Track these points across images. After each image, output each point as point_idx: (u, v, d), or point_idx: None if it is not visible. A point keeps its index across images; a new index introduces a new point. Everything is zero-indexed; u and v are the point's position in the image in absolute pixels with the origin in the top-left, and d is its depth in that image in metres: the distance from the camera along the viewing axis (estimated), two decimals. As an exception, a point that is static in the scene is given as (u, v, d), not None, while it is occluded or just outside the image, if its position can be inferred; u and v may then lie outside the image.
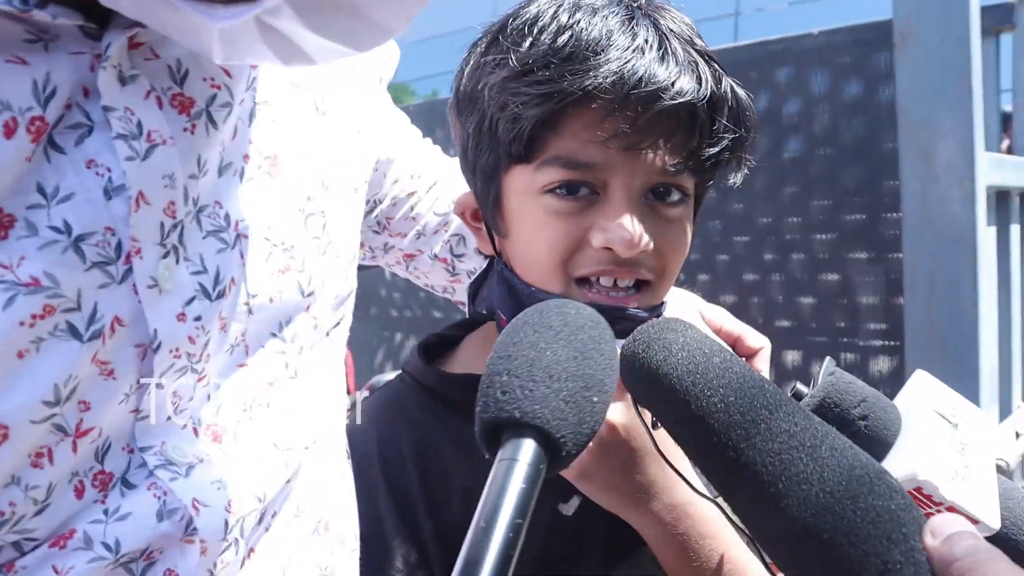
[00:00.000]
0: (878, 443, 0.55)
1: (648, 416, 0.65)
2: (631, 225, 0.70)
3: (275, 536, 0.65)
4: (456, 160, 0.95)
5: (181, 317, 0.55)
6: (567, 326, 0.49)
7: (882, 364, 2.40)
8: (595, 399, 0.47)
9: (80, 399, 0.52)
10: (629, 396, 0.65)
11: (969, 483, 0.53)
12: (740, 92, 0.75)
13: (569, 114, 0.70)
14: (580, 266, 0.73)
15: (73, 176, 0.50)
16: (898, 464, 0.54)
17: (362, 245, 0.99)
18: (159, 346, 0.54)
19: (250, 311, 0.62)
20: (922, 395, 0.59)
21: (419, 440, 0.81)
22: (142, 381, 0.55)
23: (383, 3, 0.47)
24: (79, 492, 0.54)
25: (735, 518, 0.67)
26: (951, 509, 0.51)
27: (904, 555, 0.40)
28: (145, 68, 0.53)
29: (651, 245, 0.72)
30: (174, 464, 0.57)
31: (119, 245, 0.52)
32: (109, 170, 0.51)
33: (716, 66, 0.73)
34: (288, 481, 0.66)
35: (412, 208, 0.99)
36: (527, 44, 0.71)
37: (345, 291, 0.73)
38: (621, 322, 0.69)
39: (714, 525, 0.72)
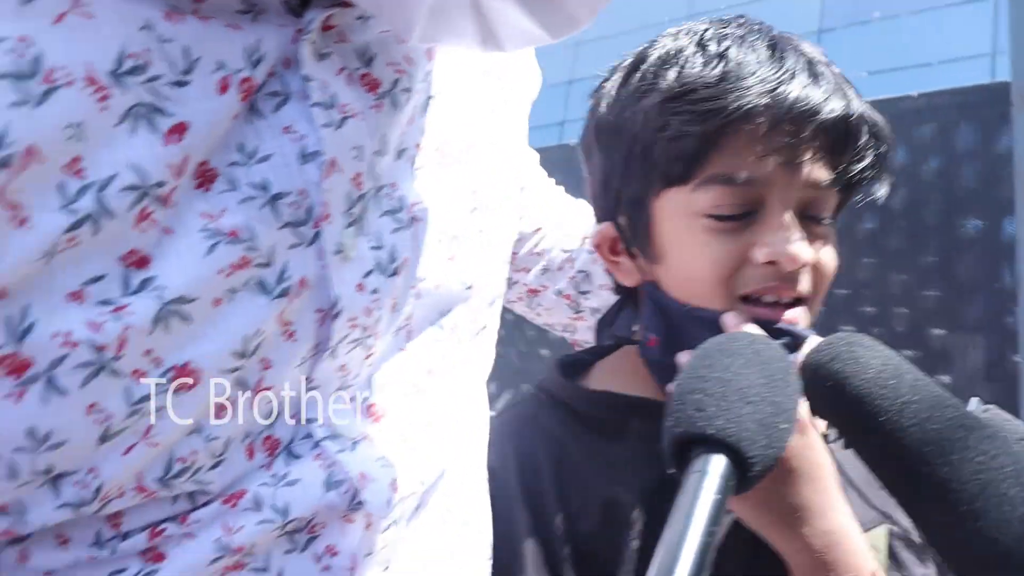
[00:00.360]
0: None
1: (821, 427, 0.65)
2: (795, 236, 0.72)
3: (426, 529, 0.66)
4: (577, 201, 0.98)
5: (360, 287, 0.57)
6: (758, 355, 0.52)
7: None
8: (783, 426, 0.49)
9: (263, 356, 0.54)
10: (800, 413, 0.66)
11: None
12: (875, 113, 0.78)
13: (729, 132, 0.72)
14: (744, 284, 0.74)
15: (271, 139, 0.53)
16: None
17: None
18: (339, 313, 0.56)
19: (418, 295, 0.63)
20: None
21: (556, 453, 0.83)
22: (318, 347, 0.57)
23: None
24: (251, 453, 0.56)
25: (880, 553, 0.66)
26: None
27: None
28: (336, 49, 0.56)
29: (812, 256, 0.74)
30: (341, 436, 0.58)
31: (310, 208, 0.54)
32: (304, 136, 0.54)
33: (853, 88, 0.78)
34: (443, 474, 0.67)
35: (537, 244, 1.02)
36: (674, 73, 0.75)
37: (499, 292, 0.75)
38: (785, 337, 0.71)
39: (863, 559, 0.71)
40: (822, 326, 0.75)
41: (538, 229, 1.02)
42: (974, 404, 0.58)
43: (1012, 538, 0.43)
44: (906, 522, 0.77)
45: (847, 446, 0.55)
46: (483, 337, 0.74)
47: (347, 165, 0.55)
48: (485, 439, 0.76)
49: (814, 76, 0.74)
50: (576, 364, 0.92)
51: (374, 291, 0.58)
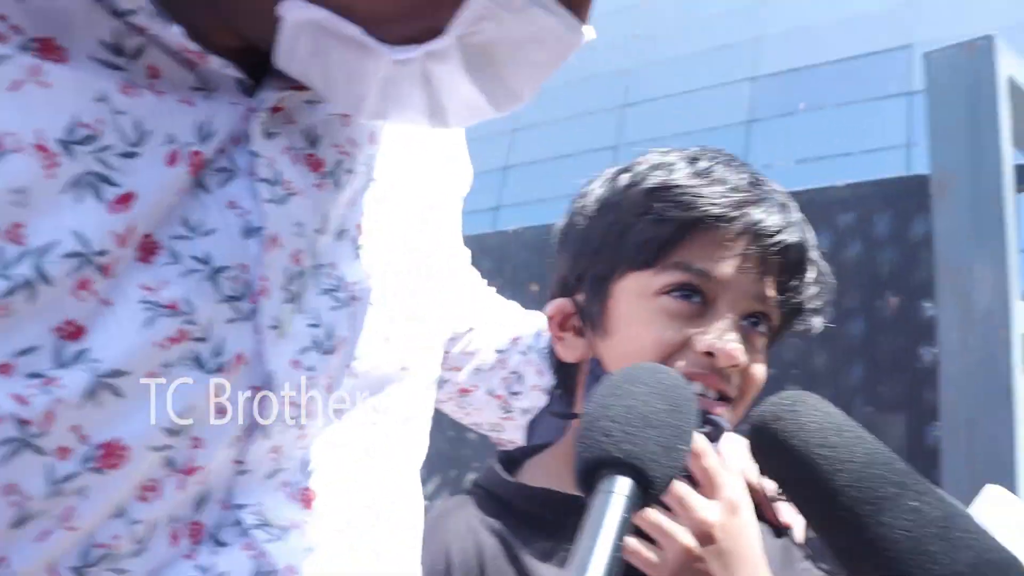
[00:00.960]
0: None
1: (768, 488, 0.66)
2: (736, 336, 0.78)
3: None
4: (507, 301, 1.01)
5: (296, 364, 0.57)
6: (661, 383, 0.55)
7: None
8: (682, 447, 0.52)
9: (193, 435, 0.52)
10: (726, 495, 0.68)
11: None
12: (822, 260, 0.88)
13: (701, 229, 0.79)
14: (679, 367, 0.77)
15: (216, 213, 0.53)
16: None
17: None
18: (274, 388, 0.55)
19: (353, 375, 0.63)
20: (998, 510, 0.60)
21: (492, 547, 0.83)
22: (251, 427, 0.55)
23: (523, 67, 0.52)
24: (175, 539, 0.54)
25: None
26: None
27: None
28: (284, 129, 0.57)
29: (746, 360, 0.79)
30: (271, 525, 0.57)
31: (249, 283, 0.54)
32: (249, 212, 0.54)
33: (812, 232, 0.87)
34: (377, 563, 0.65)
35: (470, 343, 1.03)
36: (663, 173, 0.82)
37: (434, 376, 0.75)
38: (708, 426, 0.77)
39: None
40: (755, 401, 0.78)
41: (470, 329, 1.03)
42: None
43: None
44: None
45: (790, 502, 0.56)
46: (418, 422, 0.74)
47: (288, 241, 0.56)
48: (420, 527, 0.75)
49: (782, 207, 0.83)
50: (510, 461, 0.93)
51: (310, 368, 0.58)
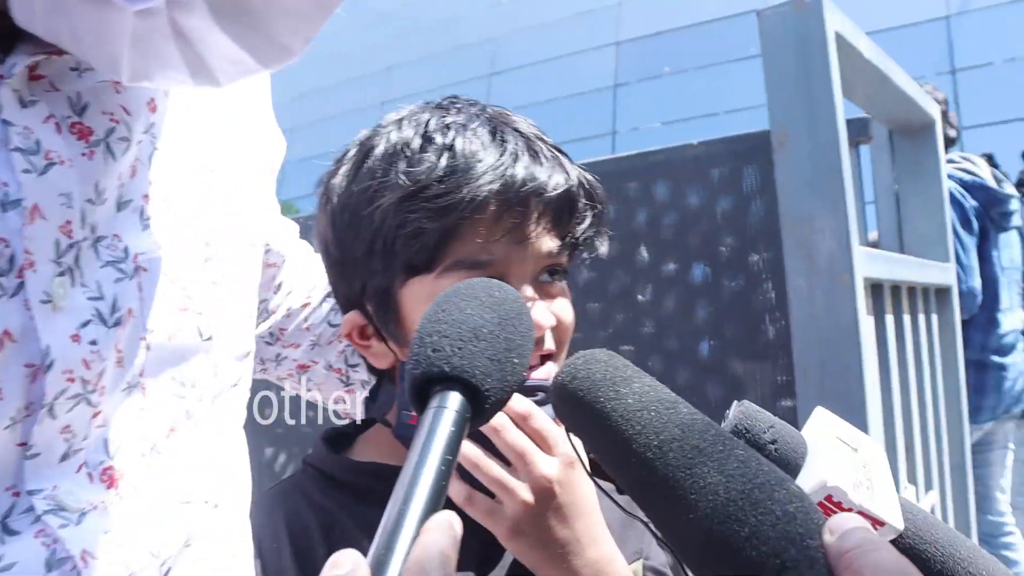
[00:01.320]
0: (788, 464, 0.59)
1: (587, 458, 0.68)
2: (540, 311, 0.79)
3: None
4: None
5: (75, 338, 0.55)
6: (491, 297, 0.55)
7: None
8: (515, 360, 0.52)
9: None
10: (563, 450, 0.69)
11: (873, 492, 0.57)
12: (589, 176, 0.87)
13: (465, 221, 0.77)
14: None
15: None
16: (809, 477, 0.57)
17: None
18: (51, 364, 0.53)
19: (148, 347, 0.61)
20: (823, 426, 0.63)
21: (325, 523, 0.83)
22: (32, 407, 0.53)
23: (281, 16, 0.50)
24: None
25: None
26: (861, 513, 0.55)
27: (800, 552, 0.43)
28: (45, 98, 0.54)
29: (553, 321, 0.80)
30: (65, 510, 0.54)
31: (12, 257, 0.52)
32: (5, 184, 0.51)
33: (567, 156, 0.86)
34: (188, 543, 0.64)
35: (306, 319, 1.02)
36: (403, 165, 0.78)
37: (245, 348, 0.74)
38: (539, 393, 0.76)
39: None
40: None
41: (306, 304, 1.02)
42: (733, 408, 0.62)
43: (717, 523, 0.45)
44: (657, 557, 0.82)
45: (601, 461, 0.57)
46: (234, 394, 0.72)
47: (53, 212, 0.53)
48: (244, 499, 0.74)
49: (534, 155, 0.80)
50: (340, 438, 0.93)
51: (92, 342, 0.56)
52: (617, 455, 0.51)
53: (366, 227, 0.79)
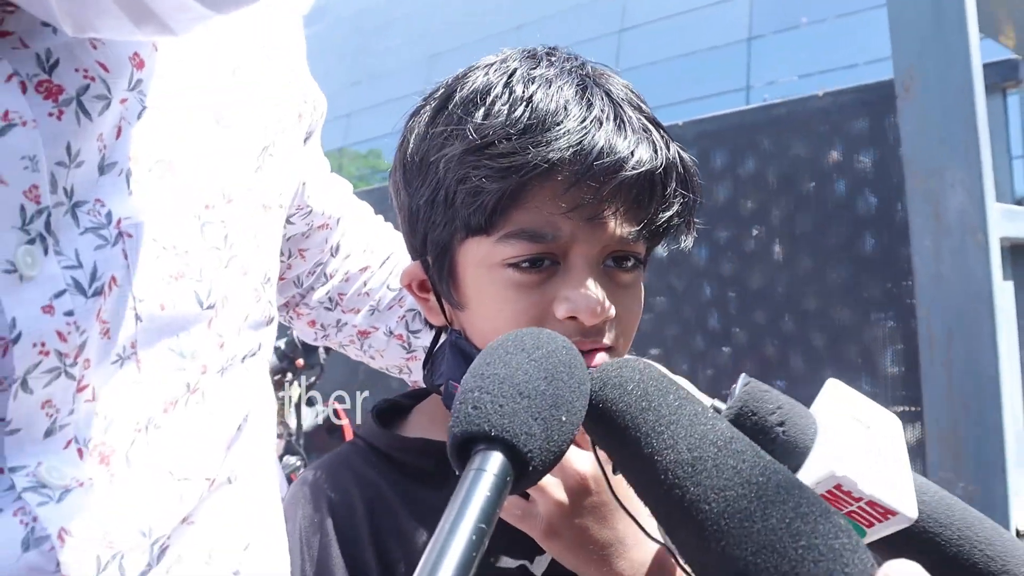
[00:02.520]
0: (797, 448, 0.55)
1: (608, 464, 0.62)
2: (595, 292, 0.69)
3: None
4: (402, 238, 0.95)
5: (48, 309, 0.52)
6: (539, 349, 0.50)
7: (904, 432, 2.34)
8: (563, 418, 0.47)
9: None
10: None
11: (885, 478, 0.54)
12: (686, 157, 0.76)
13: (531, 186, 0.69)
14: None
15: None
16: (817, 463, 0.54)
17: (313, 323, 0.98)
18: (19, 337, 0.50)
19: (138, 317, 0.57)
20: (835, 402, 0.59)
21: (371, 499, 0.79)
22: (4, 382, 0.50)
23: None
24: None
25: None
26: (871, 503, 0.52)
27: None
28: (11, 55, 0.51)
29: (613, 311, 0.71)
30: (47, 487, 0.52)
31: None
32: None
33: (664, 132, 0.74)
34: (188, 519, 0.61)
35: (365, 283, 0.98)
36: (480, 115, 0.71)
37: (260, 315, 0.70)
38: None
39: None
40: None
41: (365, 268, 0.99)
42: (743, 378, 0.58)
43: (751, 552, 0.41)
44: None
45: (616, 472, 0.55)
46: (252, 364, 0.68)
47: (14, 177, 0.50)
48: (266, 475, 0.71)
49: (620, 123, 0.71)
50: (395, 409, 0.88)
51: (68, 312, 0.52)
52: (646, 471, 0.47)
53: (432, 175, 0.73)
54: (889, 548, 0.54)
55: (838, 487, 0.52)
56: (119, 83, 0.56)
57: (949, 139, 1.49)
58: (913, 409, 2.24)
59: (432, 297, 0.80)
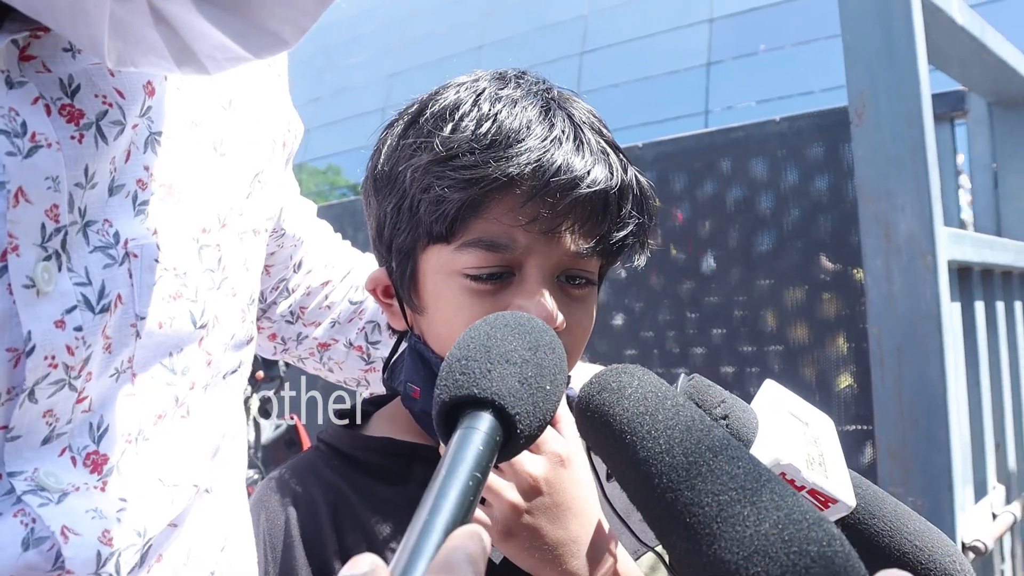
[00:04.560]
0: (740, 440, 0.57)
1: (602, 469, 0.64)
2: (548, 302, 0.72)
3: None
4: (368, 254, 0.97)
5: (60, 324, 0.54)
6: (522, 325, 0.52)
7: (855, 452, 2.40)
8: (547, 387, 0.49)
9: None
10: (551, 448, 0.66)
11: (824, 469, 0.56)
12: (643, 180, 0.80)
13: (491, 198, 0.72)
14: None
15: None
16: (762, 453, 0.56)
17: (274, 336, 1.00)
18: (33, 350, 0.52)
19: (138, 335, 0.60)
20: (774, 400, 0.62)
21: (334, 501, 0.81)
22: (13, 391, 0.52)
23: (270, 4, 0.48)
24: None
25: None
26: (812, 492, 0.54)
27: None
28: (35, 79, 0.53)
29: (564, 322, 0.74)
30: (45, 490, 0.54)
31: None
32: None
33: (622, 155, 0.78)
34: (174, 523, 0.63)
35: (327, 297, 1.00)
36: (449, 129, 0.74)
37: (243, 335, 0.72)
38: None
39: None
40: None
41: (326, 282, 1.01)
42: (682, 379, 0.61)
43: (742, 557, 0.42)
44: None
45: (611, 477, 0.54)
46: (233, 381, 0.70)
47: (39, 196, 0.52)
48: (240, 485, 0.73)
49: (579, 144, 0.74)
50: (355, 414, 0.91)
51: (77, 328, 0.55)
52: (641, 475, 0.48)
53: (399, 184, 0.77)
54: None
55: (782, 475, 0.54)
56: (133, 109, 0.59)
57: (899, 164, 1.54)
58: (865, 428, 2.30)
59: (395, 303, 0.83)
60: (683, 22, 16.95)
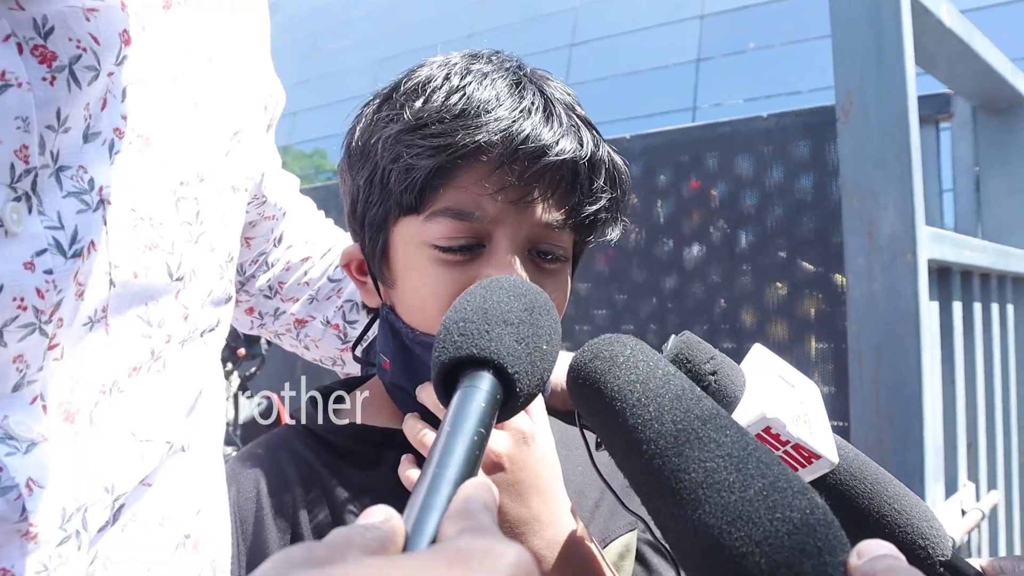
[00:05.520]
0: (727, 396, 0.58)
1: (591, 439, 0.65)
2: (519, 272, 0.72)
3: (133, 543, 0.61)
4: (344, 232, 0.97)
5: (29, 266, 0.53)
6: (516, 288, 0.53)
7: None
8: (544, 347, 0.50)
9: None
10: (516, 425, 0.66)
11: (809, 426, 0.57)
12: (616, 157, 0.80)
13: (460, 167, 0.73)
14: None
15: None
16: (748, 408, 0.57)
17: (251, 311, 1.00)
18: (0, 288, 0.52)
19: (112, 283, 0.59)
20: (762, 362, 0.63)
21: (306, 477, 0.81)
22: None
23: None
24: None
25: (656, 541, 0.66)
26: (797, 447, 0.55)
27: (816, 568, 0.39)
28: (8, 16, 0.52)
29: None
30: (14, 439, 0.53)
31: None
32: None
33: (595, 132, 0.78)
34: (147, 482, 0.62)
35: (306, 273, 1.00)
36: (420, 102, 0.74)
37: (221, 292, 0.72)
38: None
39: (596, 565, 0.71)
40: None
41: (306, 259, 1.01)
42: (673, 338, 0.62)
43: (726, 522, 0.42)
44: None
45: (600, 446, 0.56)
46: (210, 339, 0.70)
47: (7, 135, 0.52)
48: (217, 446, 0.73)
49: (549, 115, 0.75)
50: (332, 394, 0.90)
51: (48, 271, 0.54)
52: (630, 441, 0.49)
53: (370, 156, 0.77)
54: None
55: (767, 430, 0.55)
56: (108, 56, 0.58)
57: (884, 163, 1.56)
58: (842, 425, 2.33)
59: (369, 280, 0.83)
60: (674, 17, 16.97)
